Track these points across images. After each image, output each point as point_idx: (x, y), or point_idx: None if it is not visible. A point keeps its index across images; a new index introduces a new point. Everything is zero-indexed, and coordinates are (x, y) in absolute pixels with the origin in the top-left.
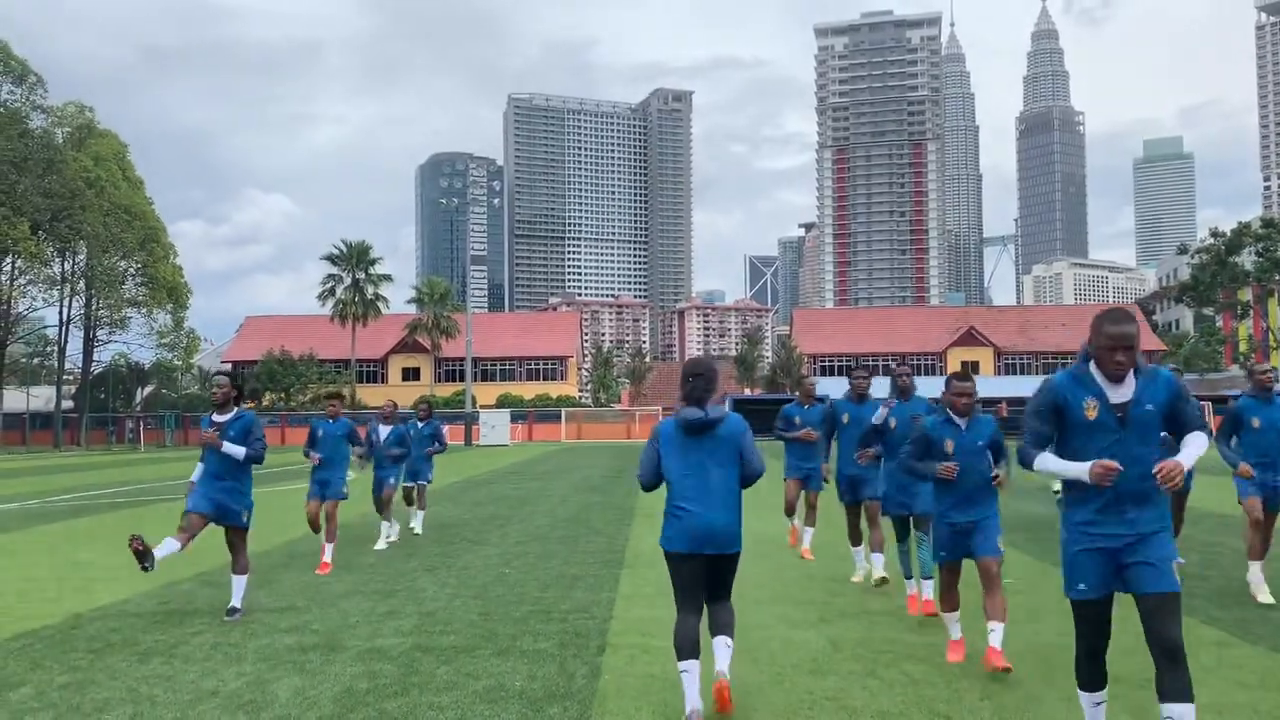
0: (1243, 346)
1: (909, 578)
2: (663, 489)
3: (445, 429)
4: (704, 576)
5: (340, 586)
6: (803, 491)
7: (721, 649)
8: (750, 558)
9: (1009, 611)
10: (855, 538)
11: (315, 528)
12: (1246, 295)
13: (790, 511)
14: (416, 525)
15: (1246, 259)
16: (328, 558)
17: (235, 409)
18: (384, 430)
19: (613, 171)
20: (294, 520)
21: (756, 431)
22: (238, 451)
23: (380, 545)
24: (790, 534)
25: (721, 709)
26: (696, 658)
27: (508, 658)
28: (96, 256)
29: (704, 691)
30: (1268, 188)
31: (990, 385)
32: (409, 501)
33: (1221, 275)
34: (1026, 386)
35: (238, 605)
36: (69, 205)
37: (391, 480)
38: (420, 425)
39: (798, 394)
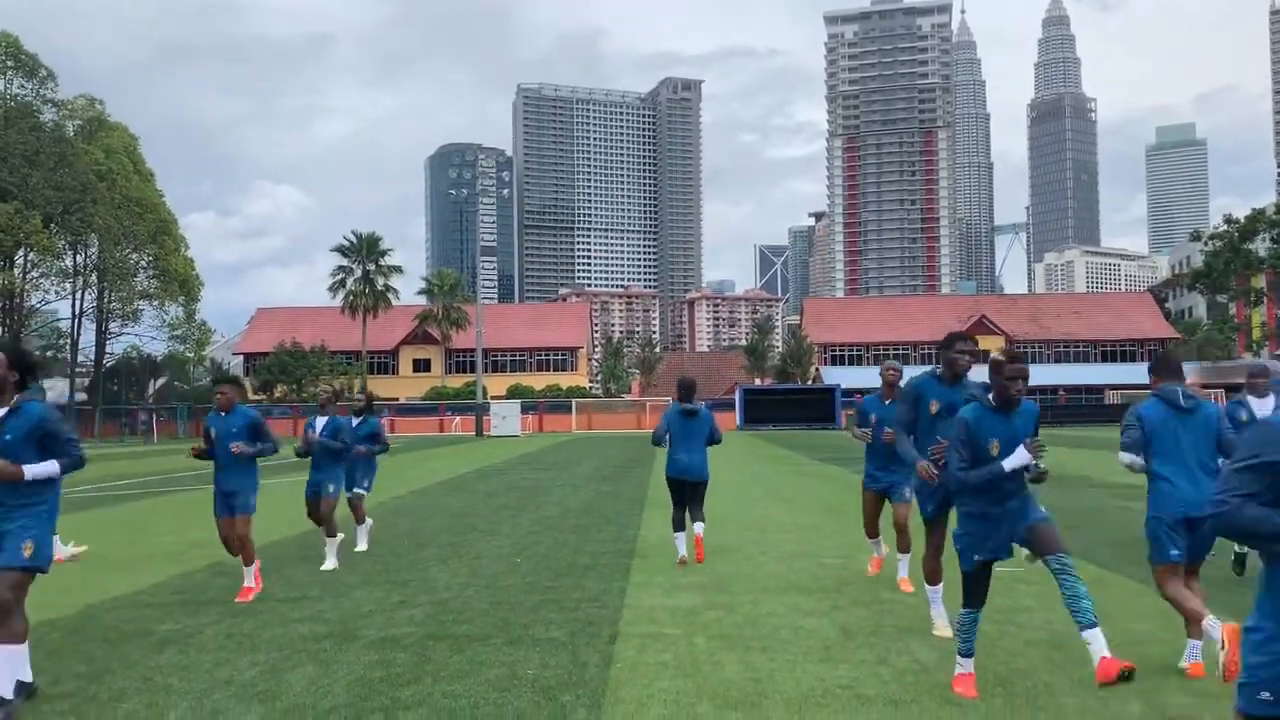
0: (1256, 334)
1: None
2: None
3: (384, 423)
4: (687, 491)
5: (353, 576)
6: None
7: (697, 525)
8: (760, 547)
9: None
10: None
11: (232, 550)
12: (1260, 282)
13: (871, 531)
14: (362, 542)
15: (1260, 246)
16: (249, 581)
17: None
18: (320, 423)
19: (622, 162)
20: (304, 511)
21: (766, 420)
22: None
23: (328, 564)
24: (872, 563)
25: (699, 556)
26: (683, 530)
27: (520, 646)
28: (108, 249)
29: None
30: None
31: None
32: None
33: (1235, 262)
34: (1039, 376)
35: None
36: (80, 198)
37: (332, 487)
38: (356, 421)
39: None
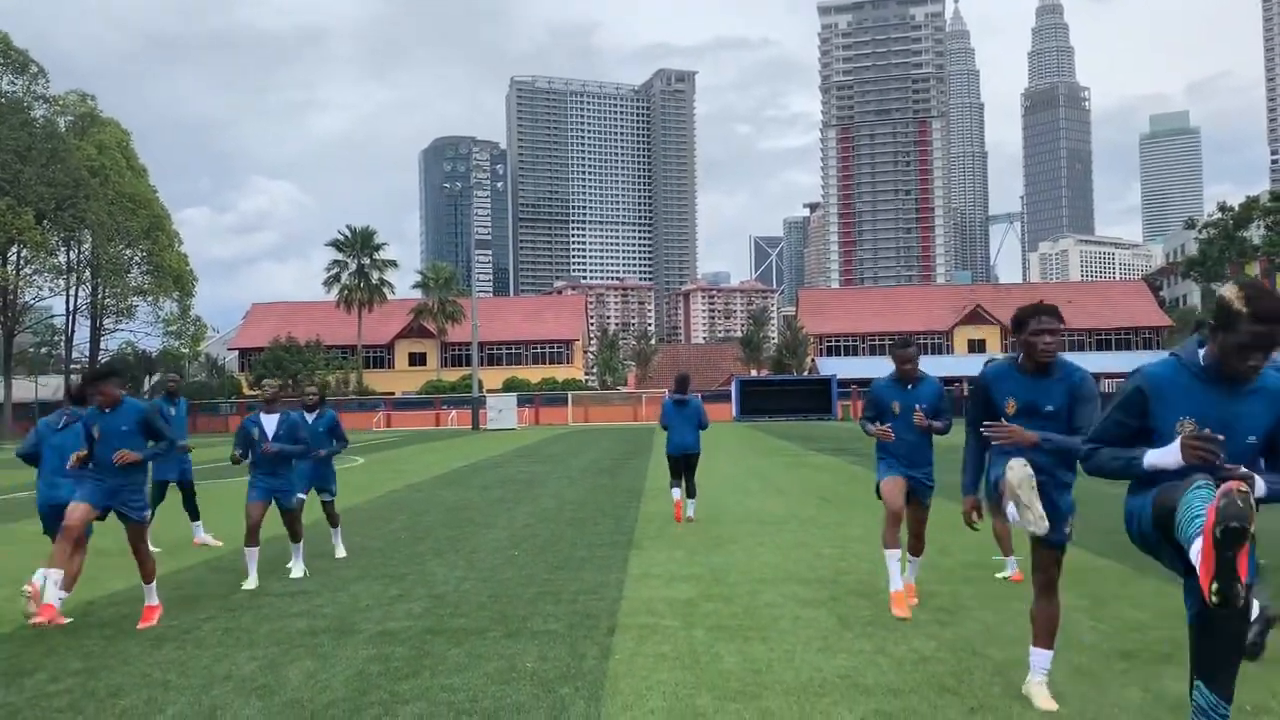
0: None
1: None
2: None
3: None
4: (682, 463)
5: (350, 571)
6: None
7: (689, 503)
8: (757, 538)
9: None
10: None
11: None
12: (1254, 269)
13: (892, 537)
14: (340, 549)
15: (1255, 233)
16: (152, 600)
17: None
18: (269, 421)
19: (616, 154)
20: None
21: (762, 411)
22: None
23: (297, 571)
24: (894, 602)
25: (678, 518)
26: (678, 487)
27: (518, 639)
28: (101, 245)
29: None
30: (1275, 161)
31: None
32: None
33: (1229, 250)
34: None
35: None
36: (73, 194)
37: (301, 495)
38: (311, 418)
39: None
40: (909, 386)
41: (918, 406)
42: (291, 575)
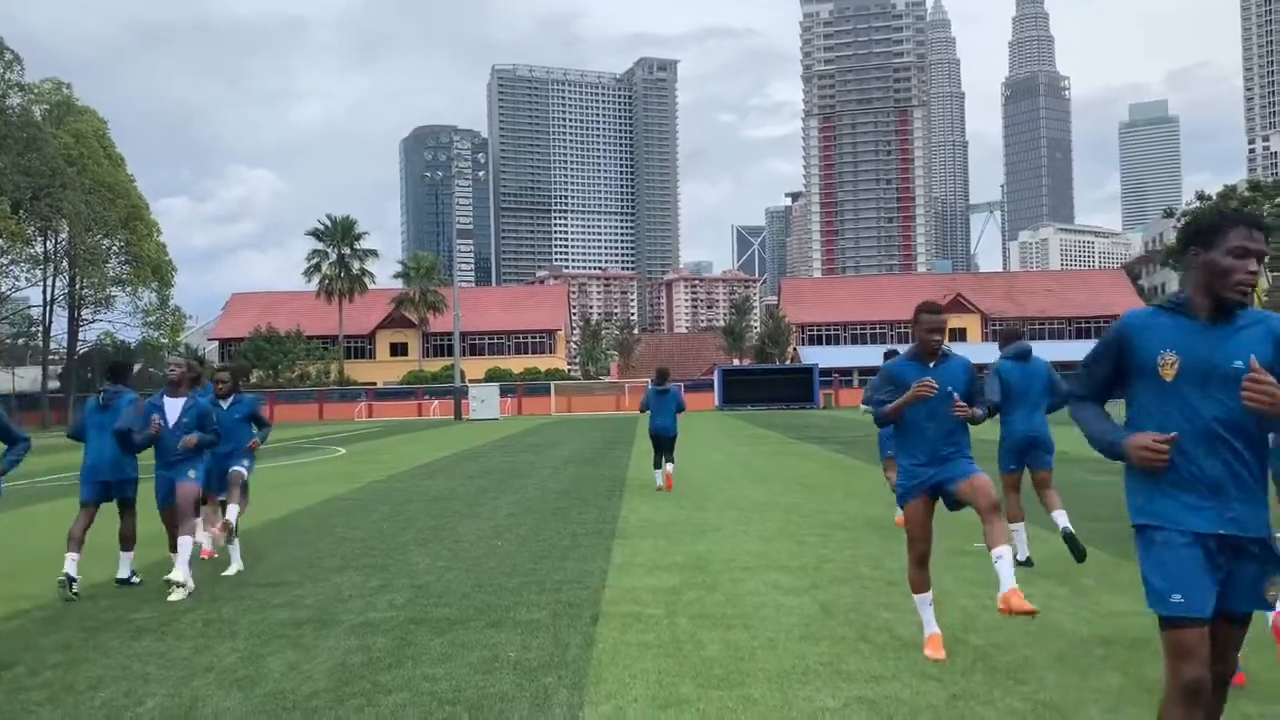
0: None
1: None
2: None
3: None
4: (663, 443)
5: (332, 561)
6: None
7: (668, 465)
8: (740, 526)
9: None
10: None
11: None
12: None
13: (920, 579)
14: (234, 563)
15: None
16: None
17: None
18: (173, 407)
19: (598, 143)
20: (284, 497)
21: (745, 401)
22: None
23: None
24: (931, 645)
25: (668, 485)
26: (659, 469)
27: (501, 629)
28: (79, 235)
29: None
30: (1252, 151)
31: (978, 352)
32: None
33: None
34: None
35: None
36: (50, 183)
37: (192, 473)
38: (225, 405)
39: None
40: (933, 364)
41: (952, 391)
42: (173, 589)
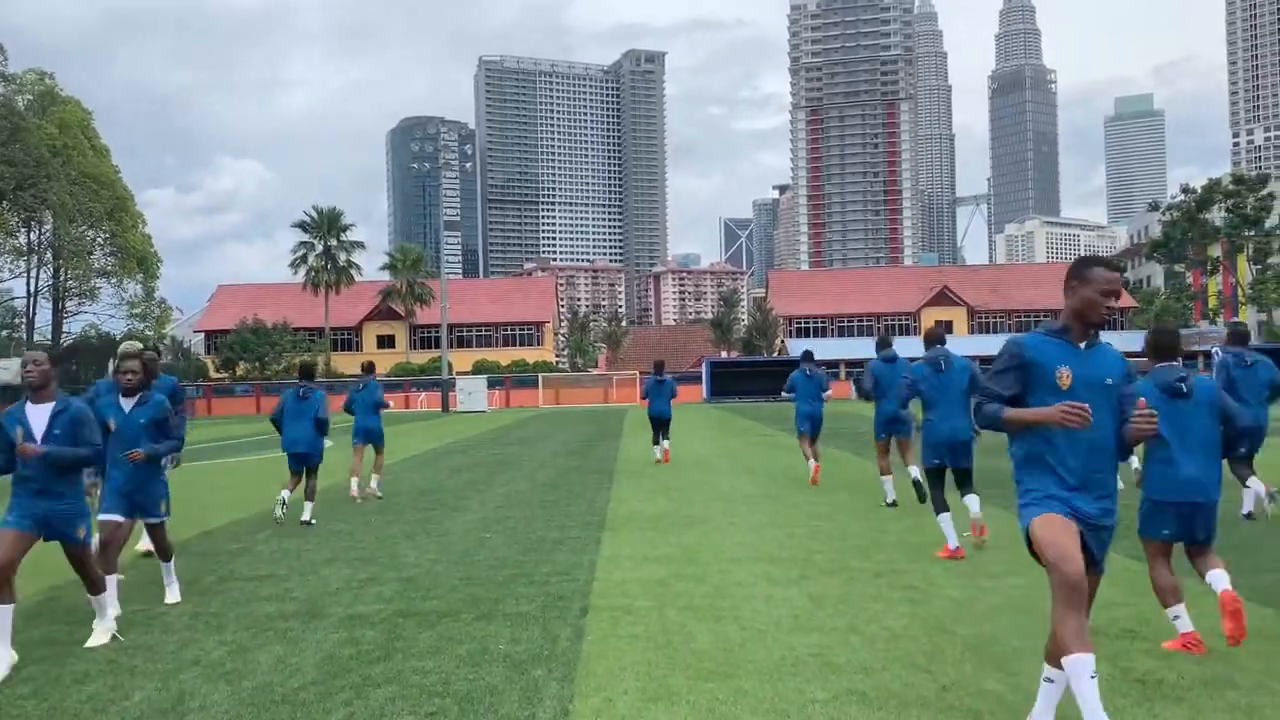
0: (1212, 302)
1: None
2: None
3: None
4: (661, 424)
5: (320, 554)
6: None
7: (665, 442)
8: (729, 518)
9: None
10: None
11: None
12: (1216, 251)
13: (1078, 629)
14: (171, 589)
15: (1217, 215)
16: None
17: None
18: (37, 413)
19: (586, 135)
20: (270, 489)
21: (733, 393)
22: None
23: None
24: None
25: (665, 458)
26: (658, 445)
27: (491, 622)
28: (63, 226)
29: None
30: (1236, 144)
31: (964, 344)
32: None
33: (1192, 232)
34: (999, 345)
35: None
36: (34, 174)
37: (81, 533)
38: (129, 405)
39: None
40: (1084, 345)
41: (1115, 385)
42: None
